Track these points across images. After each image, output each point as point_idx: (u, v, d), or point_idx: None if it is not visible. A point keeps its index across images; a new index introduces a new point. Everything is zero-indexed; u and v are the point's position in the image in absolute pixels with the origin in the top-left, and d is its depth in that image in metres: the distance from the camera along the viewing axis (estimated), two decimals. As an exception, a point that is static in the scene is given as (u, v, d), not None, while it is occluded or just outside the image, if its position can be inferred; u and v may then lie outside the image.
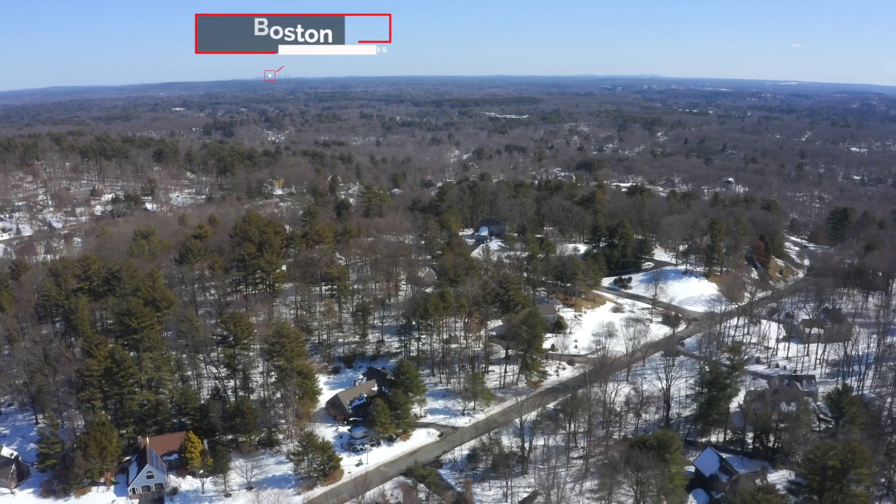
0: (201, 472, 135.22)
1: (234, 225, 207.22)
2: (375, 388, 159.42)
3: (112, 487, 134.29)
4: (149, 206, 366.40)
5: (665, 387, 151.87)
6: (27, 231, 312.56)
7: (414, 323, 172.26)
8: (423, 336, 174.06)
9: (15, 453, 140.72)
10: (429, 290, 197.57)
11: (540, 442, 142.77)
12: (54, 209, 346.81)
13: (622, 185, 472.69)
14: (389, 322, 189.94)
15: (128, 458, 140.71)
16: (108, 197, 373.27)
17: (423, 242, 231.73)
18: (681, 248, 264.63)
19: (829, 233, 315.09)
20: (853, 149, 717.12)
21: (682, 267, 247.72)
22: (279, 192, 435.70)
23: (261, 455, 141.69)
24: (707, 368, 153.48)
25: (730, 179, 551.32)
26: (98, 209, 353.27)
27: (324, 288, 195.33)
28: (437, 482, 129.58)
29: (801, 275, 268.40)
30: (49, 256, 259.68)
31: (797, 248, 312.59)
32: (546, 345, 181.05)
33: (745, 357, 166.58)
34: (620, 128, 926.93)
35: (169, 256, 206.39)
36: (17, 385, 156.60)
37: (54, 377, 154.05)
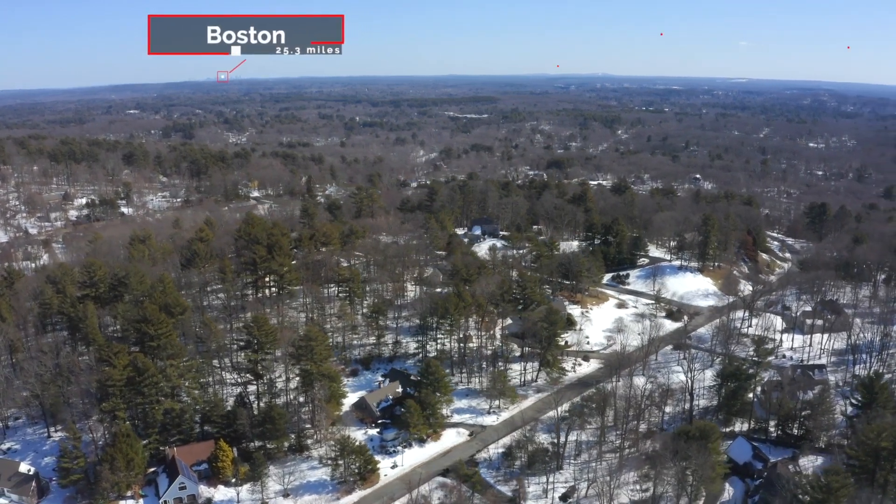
0: (234, 480, 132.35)
1: (238, 228, 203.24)
2: (400, 390, 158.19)
3: (141, 501, 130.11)
4: (124, 210, 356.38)
5: (689, 379, 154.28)
6: (2, 237, 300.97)
7: (431, 322, 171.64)
8: (441, 336, 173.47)
9: (32, 469, 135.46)
10: (437, 290, 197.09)
11: (570, 438, 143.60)
12: (27, 214, 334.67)
13: (592, 182, 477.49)
14: (401, 322, 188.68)
15: (153, 469, 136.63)
16: (82, 201, 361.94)
17: (425, 242, 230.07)
18: (671, 243, 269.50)
19: (807, 227, 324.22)
20: (811, 144, 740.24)
21: (677, 262, 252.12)
22: (255, 193, 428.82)
23: (290, 461, 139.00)
24: (728, 360, 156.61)
25: (697, 176, 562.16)
26: (73, 214, 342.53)
27: (335, 290, 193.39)
28: (481, 481, 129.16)
29: (786, 268, 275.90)
30: (31, 264, 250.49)
31: (777, 243, 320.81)
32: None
33: (770, 348, 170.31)
34: (582, 126, 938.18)
35: (168, 260, 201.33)
36: (26, 398, 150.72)
37: (67, 388, 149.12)
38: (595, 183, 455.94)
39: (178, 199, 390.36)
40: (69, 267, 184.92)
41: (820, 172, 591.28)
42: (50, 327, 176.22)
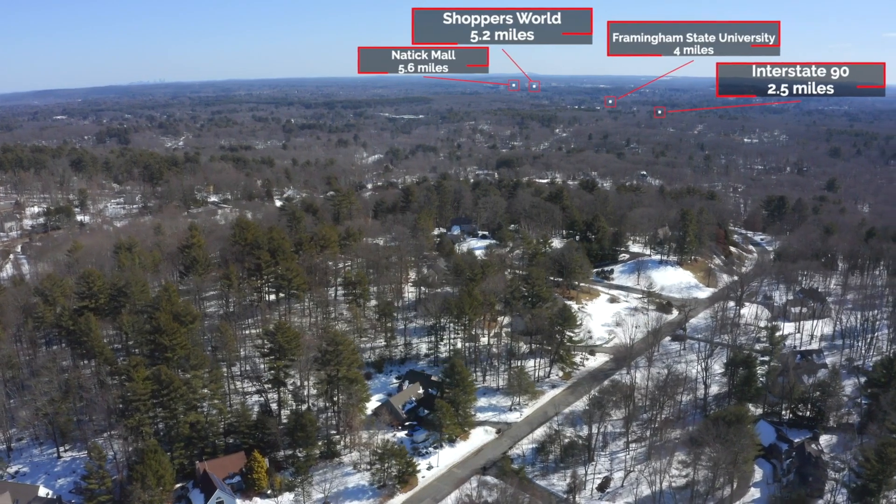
0: (269, 491, 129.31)
1: (232, 232, 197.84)
2: (421, 391, 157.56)
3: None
4: (80, 217, 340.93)
5: (703, 367, 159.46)
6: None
7: (443, 322, 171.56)
8: (454, 336, 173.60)
9: (51, 492, 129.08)
10: (437, 290, 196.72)
11: (594, 430, 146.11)
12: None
13: (542, 181, 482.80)
14: (407, 324, 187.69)
15: (180, 484, 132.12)
16: (34, 210, 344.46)
17: (414, 243, 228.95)
18: (647, 238, 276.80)
19: (766, 219, 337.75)
20: (745, 140, 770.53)
21: (657, 257, 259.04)
22: (213, 198, 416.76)
23: (323, 468, 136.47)
24: (738, 349, 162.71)
25: (643, 173, 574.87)
26: (27, 223, 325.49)
27: (332, 293, 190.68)
28: (524, 477, 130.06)
29: (753, 259, 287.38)
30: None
31: (738, 236, 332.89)
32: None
33: (783, 336, 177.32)
34: (520, 126, 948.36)
35: (159, 268, 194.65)
36: (30, 416, 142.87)
37: (79, 405, 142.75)
38: (559, 181, 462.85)
39: (135, 206, 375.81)
40: (59, 278, 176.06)
41: (759, 167, 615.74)
42: (43, 342, 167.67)
